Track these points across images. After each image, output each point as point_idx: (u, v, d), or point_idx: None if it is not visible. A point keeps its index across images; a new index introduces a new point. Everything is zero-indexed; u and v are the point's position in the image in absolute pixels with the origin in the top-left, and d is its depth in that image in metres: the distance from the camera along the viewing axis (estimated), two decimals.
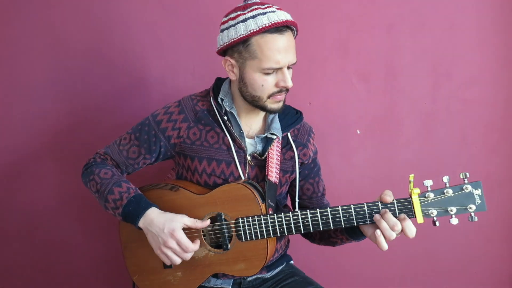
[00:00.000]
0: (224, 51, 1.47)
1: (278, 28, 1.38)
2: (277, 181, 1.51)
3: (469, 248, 2.06)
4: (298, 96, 2.01)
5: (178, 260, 1.39)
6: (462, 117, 2.02)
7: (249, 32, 1.37)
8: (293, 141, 1.57)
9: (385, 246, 1.32)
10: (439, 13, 1.99)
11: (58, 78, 1.95)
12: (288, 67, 1.43)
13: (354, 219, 1.34)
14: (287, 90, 1.47)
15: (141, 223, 1.40)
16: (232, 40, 1.41)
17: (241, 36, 1.39)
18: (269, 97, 1.44)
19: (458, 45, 2.00)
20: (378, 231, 1.31)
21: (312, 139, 1.63)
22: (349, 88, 2.02)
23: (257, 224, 1.39)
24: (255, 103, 1.46)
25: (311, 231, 1.37)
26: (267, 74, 1.41)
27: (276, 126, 1.52)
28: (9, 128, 1.96)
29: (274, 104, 1.46)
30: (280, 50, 1.38)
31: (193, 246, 1.38)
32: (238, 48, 1.42)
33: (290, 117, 1.58)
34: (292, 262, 1.68)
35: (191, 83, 1.97)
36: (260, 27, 1.36)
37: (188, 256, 1.40)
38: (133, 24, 1.96)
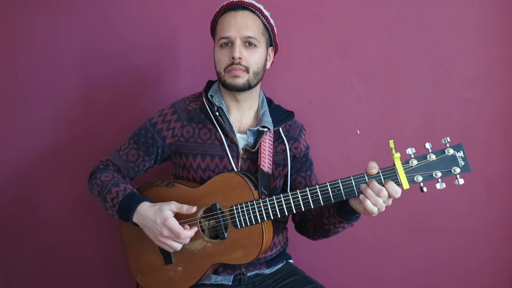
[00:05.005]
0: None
1: (232, 6, 1.52)
2: (270, 171, 1.55)
3: (469, 248, 2.05)
4: (298, 96, 2.02)
5: (178, 246, 1.43)
6: (462, 117, 2.02)
7: (214, 14, 1.56)
8: (285, 135, 1.61)
9: (372, 208, 1.32)
10: (439, 13, 2.00)
11: (57, 81, 1.96)
12: (250, 43, 1.50)
13: (343, 193, 1.35)
14: (247, 68, 1.51)
15: (135, 219, 1.46)
16: (210, 25, 1.60)
17: (212, 19, 1.58)
18: (225, 71, 1.52)
19: (458, 45, 2.00)
20: (362, 195, 1.33)
21: (304, 135, 1.68)
22: (349, 88, 2.02)
23: (250, 209, 1.42)
24: (221, 82, 1.55)
25: (303, 210, 1.39)
26: (222, 47, 1.52)
27: (268, 120, 1.58)
28: (11, 131, 1.96)
29: (230, 79, 1.52)
30: (230, 23, 1.51)
31: (185, 232, 1.41)
32: (213, 31, 1.59)
33: (281, 114, 1.64)
34: (291, 261, 1.69)
35: (191, 83, 1.98)
36: (219, 7, 1.54)
37: (184, 240, 1.43)
38: (133, 24, 1.97)
